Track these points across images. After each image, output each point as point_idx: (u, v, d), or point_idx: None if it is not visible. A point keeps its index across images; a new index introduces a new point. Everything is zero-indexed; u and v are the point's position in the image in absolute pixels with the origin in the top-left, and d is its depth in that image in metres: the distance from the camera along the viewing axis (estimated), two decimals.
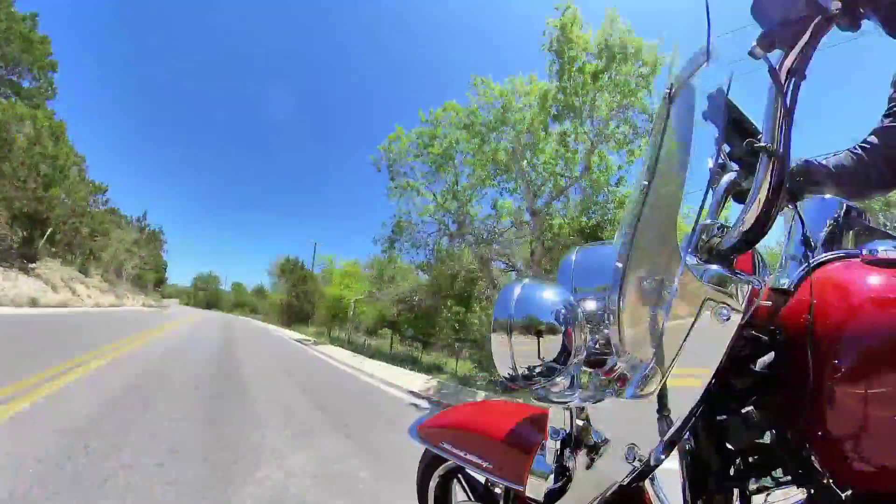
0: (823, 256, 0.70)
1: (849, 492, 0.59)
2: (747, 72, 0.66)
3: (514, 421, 0.92)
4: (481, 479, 1.08)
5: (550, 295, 0.62)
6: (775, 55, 0.58)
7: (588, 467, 0.66)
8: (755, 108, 0.67)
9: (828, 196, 0.88)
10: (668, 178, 0.62)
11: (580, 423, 0.68)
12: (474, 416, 1.03)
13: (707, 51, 0.58)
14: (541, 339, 0.59)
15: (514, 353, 0.60)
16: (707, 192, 0.67)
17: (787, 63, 0.57)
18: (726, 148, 0.74)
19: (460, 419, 1.03)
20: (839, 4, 0.52)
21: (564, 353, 0.59)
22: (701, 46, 0.59)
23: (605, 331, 0.68)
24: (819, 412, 0.58)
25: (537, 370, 0.59)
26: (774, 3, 0.56)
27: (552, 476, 0.68)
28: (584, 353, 0.62)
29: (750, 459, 0.66)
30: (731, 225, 0.60)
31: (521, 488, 0.75)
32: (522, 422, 0.91)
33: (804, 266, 0.69)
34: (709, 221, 0.63)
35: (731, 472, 0.67)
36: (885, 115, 0.92)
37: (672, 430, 0.58)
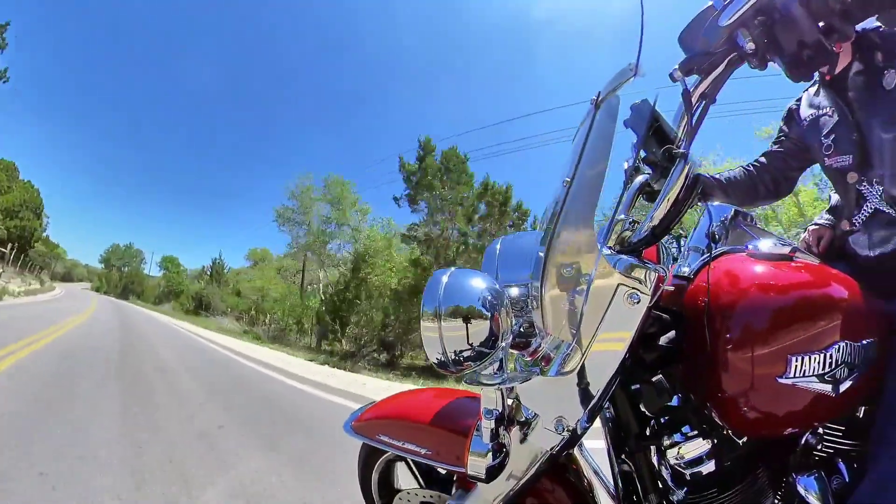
0: (718, 250, 0.83)
1: (744, 438, 0.74)
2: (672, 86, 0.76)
3: (449, 406, 0.95)
4: (421, 466, 1.09)
5: (477, 282, 0.64)
6: (693, 79, 0.68)
7: (522, 441, 0.72)
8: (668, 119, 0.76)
9: (717, 203, 1.05)
10: (588, 177, 0.69)
11: (511, 401, 0.73)
12: (409, 405, 1.05)
13: (636, 66, 0.65)
14: (469, 324, 0.61)
15: (443, 340, 0.62)
16: (622, 191, 0.77)
17: (702, 88, 0.67)
18: (642, 153, 0.81)
19: (395, 409, 1.04)
20: (753, 46, 0.62)
21: (492, 337, 0.62)
22: (630, 63, 0.66)
23: (529, 315, 0.74)
24: (716, 377, 0.70)
25: (467, 355, 0.62)
26: (699, 35, 0.66)
27: (490, 454, 0.72)
28: (511, 337, 0.66)
29: (662, 420, 0.77)
30: (641, 220, 0.70)
31: (462, 469, 0.79)
32: (456, 406, 0.95)
33: (702, 258, 0.82)
34: (622, 217, 0.72)
35: (648, 432, 0.78)
36: (773, 143, 1.16)
37: (593, 401, 0.66)
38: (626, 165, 0.79)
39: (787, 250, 0.77)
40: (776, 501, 0.76)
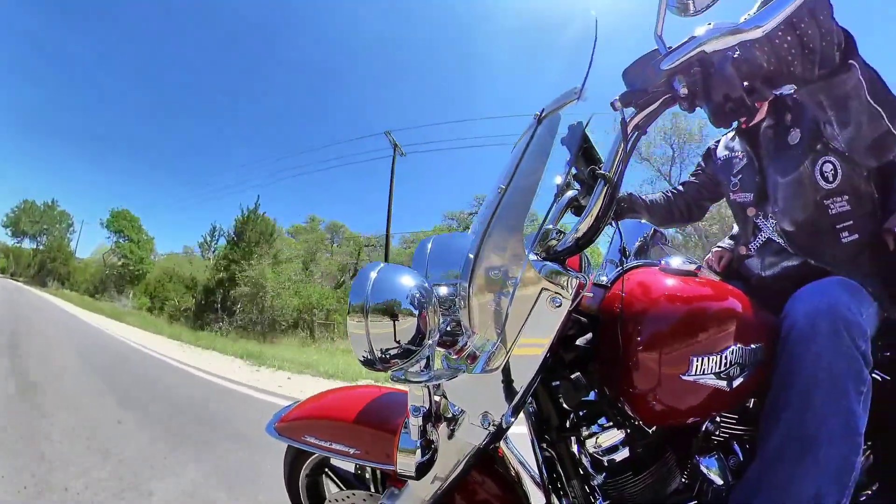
0: (633, 263, 0.91)
1: (654, 428, 0.82)
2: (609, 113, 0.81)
3: (376, 404, 0.95)
4: (350, 466, 1.09)
5: (406, 280, 0.64)
6: (630, 111, 0.73)
7: (450, 437, 0.75)
8: (606, 142, 0.79)
9: (643, 220, 1.18)
10: (522, 186, 0.72)
11: (438, 398, 0.75)
12: (335, 403, 1.03)
13: (580, 91, 0.70)
14: (396, 321, 0.61)
15: (370, 336, 0.61)
16: (553, 203, 0.82)
17: (636, 120, 0.73)
18: (573, 170, 0.87)
19: (321, 409, 1.03)
20: (686, 91, 0.68)
21: (419, 335, 0.62)
22: (575, 87, 0.72)
23: (457, 314, 0.76)
24: (628, 375, 0.76)
25: (394, 352, 0.62)
26: (640, 74, 0.72)
27: (419, 451, 0.73)
28: (438, 335, 0.67)
29: (580, 413, 0.83)
30: (567, 232, 0.75)
31: (392, 468, 0.80)
32: (383, 404, 0.95)
33: (619, 269, 0.89)
34: (550, 227, 0.77)
35: (568, 424, 0.84)
36: (692, 175, 1.35)
37: (517, 396, 0.70)
38: (558, 180, 0.83)
39: (692, 267, 0.85)
40: (683, 480, 0.84)
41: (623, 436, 0.79)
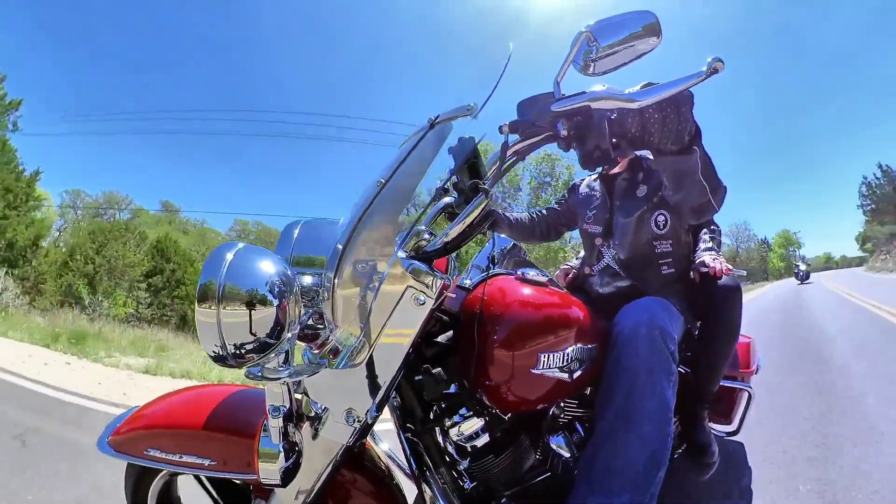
0: (495, 270, 1.00)
1: (509, 415, 0.90)
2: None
3: (229, 405, 0.87)
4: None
5: (266, 265, 0.59)
6: (514, 138, 0.80)
7: (314, 437, 0.73)
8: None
9: (503, 235, 1.34)
10: (402, 184, 0.74)
11: (299, 396, 0.72)
12: (181, 408, 0.91)
13: (478, 110, 0.74)
14: (253, 311, 0.56)
15: (221, 327, 0.55)
16: (428, 205, 0.86)
17: (518, 147, 0.81)
18: (454, 178, 0.91)
19: (164, 415, 0.90)
20: (565, 133, 0.77)
21: (278, 326, 0.58)
22: (474, 103, 0.75)
23: (319, 306, 0.74)
24: (484, 369, 0.83)
25: (249, 346, 0.57)
26: (531, 109, 0.79)
27: (282, 455, 0.69)
28: (298, 328, 0.63)
29: (443, 405, 0.88)
30: (438, 234, 0.79)
31: (254, 477, 0.74)
32: (238, 405, 0.88)
33: (481, 274, 0.97)
34: (422, 228, 0.79)
35: (431, 416, 0.88)
36: (556, 202, 1.58)
37: (381, 391, 0.71)
38: (438, 184, 0.88)
39: (544, 280, 0.96)
40: (537, 457, 0.95)
41: (483, 423, 0.85)
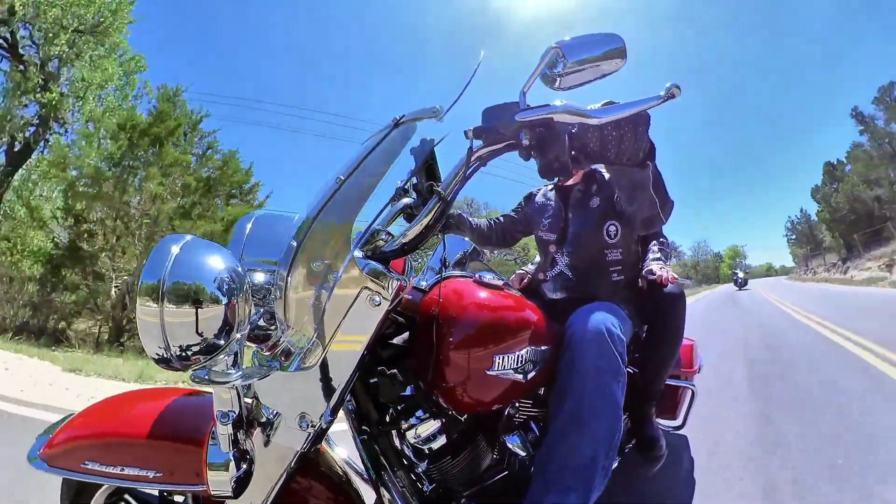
0: (451, 273, 1.01)
1: (465, 416, 0.90)
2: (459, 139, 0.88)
3: (174, 412, 0.82)
4: (155, 490, 0.92)
5: (215, 260, 0.56)
6: (478, 143, 0.80)
7: (266, 444, 0.69)
8: (451, 163, 0.87)
9: (465, 238, 1.36)
10: (362, 182, 0.72)
11: (249, 401, 0.69)
12: (120, 415, 0.84)
13: (444, 113, 0.75)
14: (200, 309, 0.53)
15: (165, 326, 0.52)
16: (387, 205, 0.85)
17: (481, 152, 0.81)
18: (414, 180, 0.92)
19: (102, 424, 0.83)
20: (527, 143, 0.78)
21: (227, 326, 0.55)
22: (441, 106, 0.76)
23: (271, 305, 0.72)
24: (441, 371, 0.83)
25: (196, 347, 0.54)
26: (497, 116, 0.80)
27: (233, 464, 0.65)
28: (248, 328, 0.61)
29: (399, 408, 0.87)
30: (395, 235, 0.78)
31: (202, 488, 0.70)
32: (184, 411, 0.83)
33: (438, 276, 0.98)
34: (379, 227, 0.78)
35: (388, 419, 0.87)
36: (513, 210, 1.62)
37: (336, 395, 0.68)
38: (398, 184, 0.88)
39: (500, 283, 0.98)
40: (494, 456, 0.96)
41: (439, 425, 0.86)
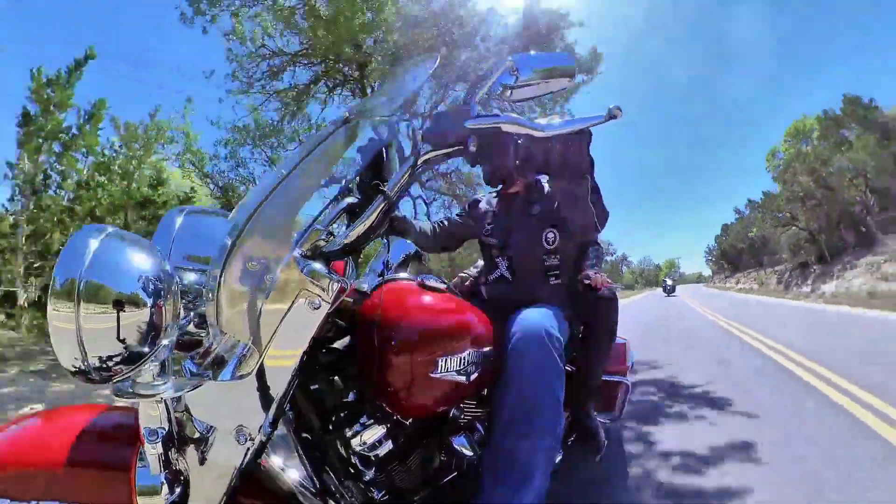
0: (394, 275, 1.02)
1: (410, 420, 0.90)
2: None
3: (95, 432, 0.72)
4: None
5: (140, 257, 0.50)
6: (426, 146, 0.81)
7: (202, 463, 0.63)
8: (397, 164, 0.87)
9: (409, 241, 1.36)
10: (305, 178, 0.69)
11: (179, 415, 0.63)
12: (35, 440, 0.72)
13: (395, 112, 0.75)
14: (122, 313, 0.47)
15: (81, 332, 0.47)
16: (329, 203, 0.82)
17: (429, 155, 0.82)
18: (359, 179, 0.90)
19: (13, 451, 0.71)
20: (474, 149, 0.81)
21: (152, 332, 0.50)
22: (394, 106, 0.75)
23: (201, 308, 0.67)
24: (384, 375, 0.83)
25: (117, 356, 0.49)
26: (447, 122, 0.82)
27: (165, 487, 0.60)
28: (177, 334, 0.57)
29: (342, 415, 0.85)
30: (337, 235, 0.77)
31: None
32: (107, 430, 0.73)
33: (380, 279, 0.98)
34: (320, 227, 0.76)
35: (331, 427, 0.84)
36: (457, 214, 1.67)
37: (274, 404, 0.65)
38: (342, 183, 0.87)
39: (443, 287, 1.00)
40: (442, 458, 0.97)
41: (385, 431, 0.85)
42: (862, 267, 16.31)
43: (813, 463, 1.94)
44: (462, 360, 0.90)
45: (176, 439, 0.62)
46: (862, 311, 9.75)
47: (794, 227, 24.89)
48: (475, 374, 0.93)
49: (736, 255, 46.76)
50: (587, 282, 1.37)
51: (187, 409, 0.63)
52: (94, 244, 0.49)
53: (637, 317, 12.05)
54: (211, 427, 0.64)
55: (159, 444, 0.59)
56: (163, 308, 0.51)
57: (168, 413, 0.60)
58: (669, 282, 30.55)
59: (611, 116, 0.76)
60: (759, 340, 6.06)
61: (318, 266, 0.67)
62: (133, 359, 0.50)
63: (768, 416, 2.69)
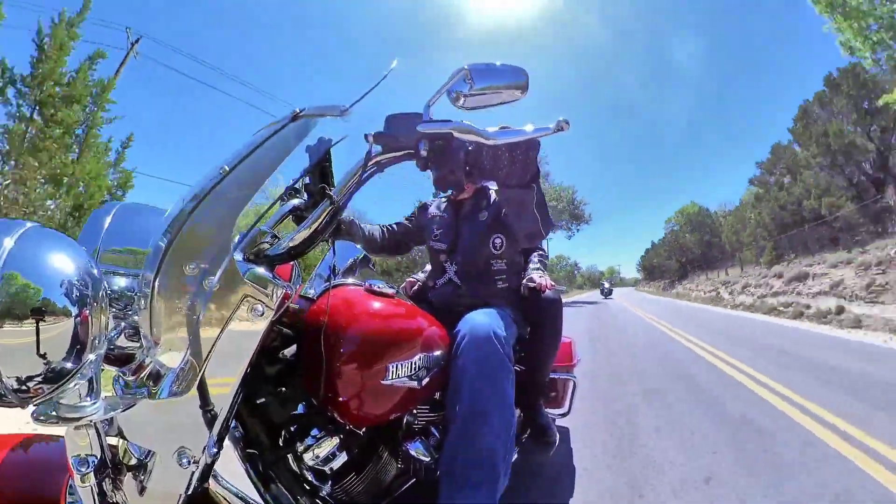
0: (341, 280, 1.01)
1: (363, 429, 0.88)
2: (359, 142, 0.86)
3: (18, 465, 0.65)
4: None
5: (62, 258, 0.45)
6: (377, 148, 0.81)
7: (141, 493, 0.57)
8: (346, 166, 0.85)
9: (357, 245, 1.37)
10: (248, 176, 0.64)
11: (113, 441, 0.58)
12: None
13: (347, 111, 0.71)
14: (41, 323, 0.42)
15: None
16: (273, 204, 0.80)
17: (379, 158, 0.81)
18: (307, 179, 0.87)
19: None
20: (425, 154, 0.82)
21: (77, 345, 0.45)
22: (346, 105, 0.72)
23: (134, 318, 0.62)
24: (334, 385, 0.80)
25: (37, 375, 0.43)
26: (399, 125, 0.82)
27: None
28: (106, 346, 0.51)
29: (292, 428, 0.81)
30: (282, 237, 0.74)
31: None
32: (29, 462, 0.66)
33: (327, 284, 0.95)
34: (265, 229, 0.73)
35: (281, 442, 0.80)
36: (406, 219, 1.71)
37: (219, 422, 0.59)
38: (289, 182, 0.85)
39: (391, 291, 0.99)
40: (399, 466, 0.95)
41: (338, 442, 0.82)
42: (702, 279, 30.86)
43: None
44: (413, 366, 0.90)
45: (110, 468, 0.56)
46: (688, 303, 20.25)
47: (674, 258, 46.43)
48: (427, 379, 0.93)
49: (653, 268, 65.15)
50: (532, 285, 1.44)
51: (121, 433, 0.57)
52: (8, 242, 0.43)
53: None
54: (149, 451, 0.58)
55: (91, 475, 0.53)
56: (89, 317, 0.46)
57: (99, 438, 0.54)
58: (607, 285, 33.10)
59: (558, 129, 0.79)
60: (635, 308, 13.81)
61: (261, 270, 0.63)
62: (56, 377, 0.45)
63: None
